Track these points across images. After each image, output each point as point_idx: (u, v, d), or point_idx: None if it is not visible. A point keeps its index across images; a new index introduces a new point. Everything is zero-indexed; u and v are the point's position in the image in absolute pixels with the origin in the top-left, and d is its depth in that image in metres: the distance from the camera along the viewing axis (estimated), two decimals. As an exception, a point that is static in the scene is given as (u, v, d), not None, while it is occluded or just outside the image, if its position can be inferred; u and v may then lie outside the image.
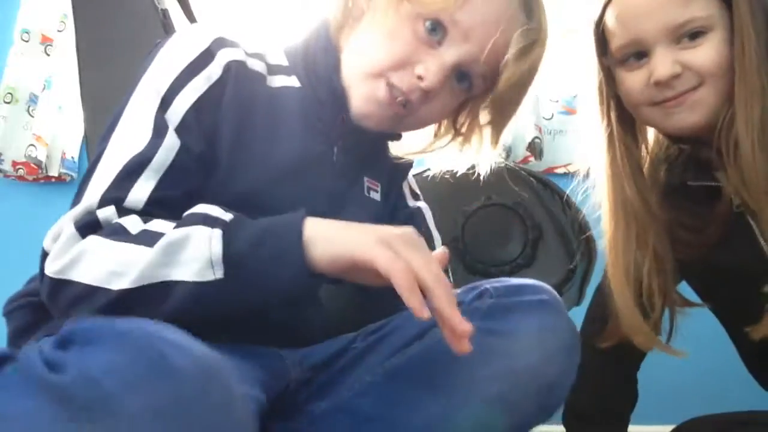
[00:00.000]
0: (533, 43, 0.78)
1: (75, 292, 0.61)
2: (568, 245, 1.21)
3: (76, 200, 0.68)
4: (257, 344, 0.74)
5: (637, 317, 0.92)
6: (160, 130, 0.69)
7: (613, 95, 0.93)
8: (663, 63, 0.83)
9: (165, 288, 0.58)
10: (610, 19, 0.87)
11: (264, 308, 0.63)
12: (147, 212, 0.66)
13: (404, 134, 0.88)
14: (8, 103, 2.22)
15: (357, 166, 0.86)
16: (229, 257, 0.57)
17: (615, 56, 0.89)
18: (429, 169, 1.14)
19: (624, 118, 0.94)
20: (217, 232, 0.58)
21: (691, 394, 1.80)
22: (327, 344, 0.79)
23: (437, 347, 0.68)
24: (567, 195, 1.23)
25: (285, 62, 0.81)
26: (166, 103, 0.70)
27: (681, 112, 0.85)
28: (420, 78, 0.75)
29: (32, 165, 2.20)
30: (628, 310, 0.93)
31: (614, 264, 0.95)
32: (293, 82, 0.80)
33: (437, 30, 0.75)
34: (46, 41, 2.30)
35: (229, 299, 0.58)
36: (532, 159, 1.94)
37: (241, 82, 0.74)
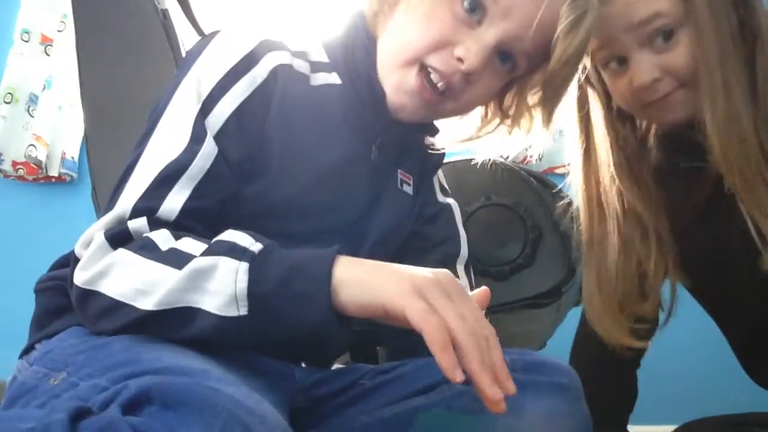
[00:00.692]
0: (583, 14, 0.72)
1: (102, 304, 0.61)
2: (568, 245, 1.20)
3: (110, 205, 0.66)
4: (275, 356, 0.71)
5: (608, 315, 0.93)
6: (198, 136, 0.67)
7: (599, 94, 0.94)
8: (642, 69, 0.84)
9: (189, 313, 0.57)
10: None
11: (289, 344, 0.60)
12: (180, 223, 0.65)
13: (451, 121, 0.85)
14: (8, 103, 2.21)
15: (392, 160, 0.85)
16: (253, 295, 0.56)
17: (597, 62, 0.90)
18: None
19: (611, 111, 0.94)
20: (244, 266, 0.56)
21: (691, 394, 1.80)
22: (337, 377, 0.77)
23: (440, 408, 0.67)
24: (567, 195, 1.23)
25: (325, 58, 0.79)
26: (207, 108, 0.68)
27: (667, 112, 0.87)
28: (460, 60, 0.71)
29: (32, 165, 2.20)
30: (599, 305, 0.93)
31: (588, 255, 0.95)
32: (334, 79, 0.78)
33: (476, 9, 0.72)
34: (46, 41, 2.30)
35: (252, 334, 0.57)
36: (532, 159, 1.94)
37: (288, 87, 0.73)
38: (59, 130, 2.25)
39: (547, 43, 0.74)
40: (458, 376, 0.51)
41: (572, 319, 1.22)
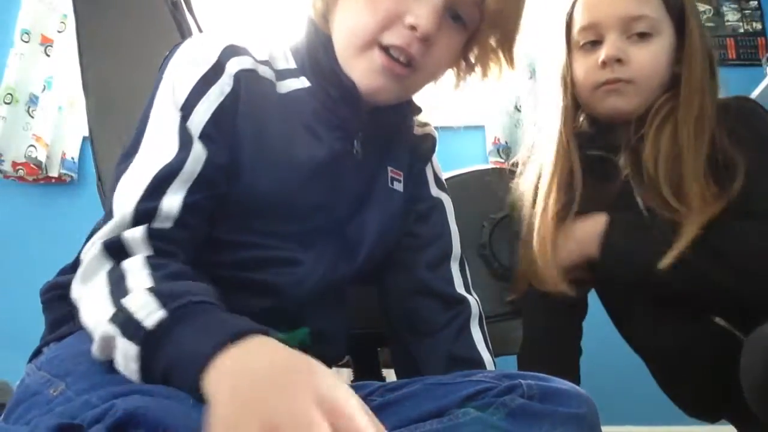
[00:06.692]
0: None
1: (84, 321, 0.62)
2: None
3: (107, 217, 0.66)
4: None
5: (553, 268, 0.98)
6: (185, 141, 0.69)
7: (569, 80, 1.04)
8: (611, 46, 0.96)
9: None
10: (577, 9, 1.02)
11: None
12: (181, 220, 0.66)
13: (427, 89, 0.84)
14: (8, 103, 2.20)
15: (379, 156, 0.84)
16: (148, 378, 0.54)
17: (575, 40, 1.02)
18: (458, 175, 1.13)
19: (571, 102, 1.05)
20: (134, 352, 0.53)
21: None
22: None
23: None
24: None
25: (292, 64, 0.80)
26: (186, 114, 0.70)
27: (614, 97, 0.98)
28: (413, 28, 0.71)
29: (32, 166, 2.19)
30: (547, 260, 0.98)
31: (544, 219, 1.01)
32: (303, 83, 0.79)
33: None
34: (46, 42, 2.29)
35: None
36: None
37: (252, 91, 0.74)
38: (59, 131, 2.24)
39: None
40: None
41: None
